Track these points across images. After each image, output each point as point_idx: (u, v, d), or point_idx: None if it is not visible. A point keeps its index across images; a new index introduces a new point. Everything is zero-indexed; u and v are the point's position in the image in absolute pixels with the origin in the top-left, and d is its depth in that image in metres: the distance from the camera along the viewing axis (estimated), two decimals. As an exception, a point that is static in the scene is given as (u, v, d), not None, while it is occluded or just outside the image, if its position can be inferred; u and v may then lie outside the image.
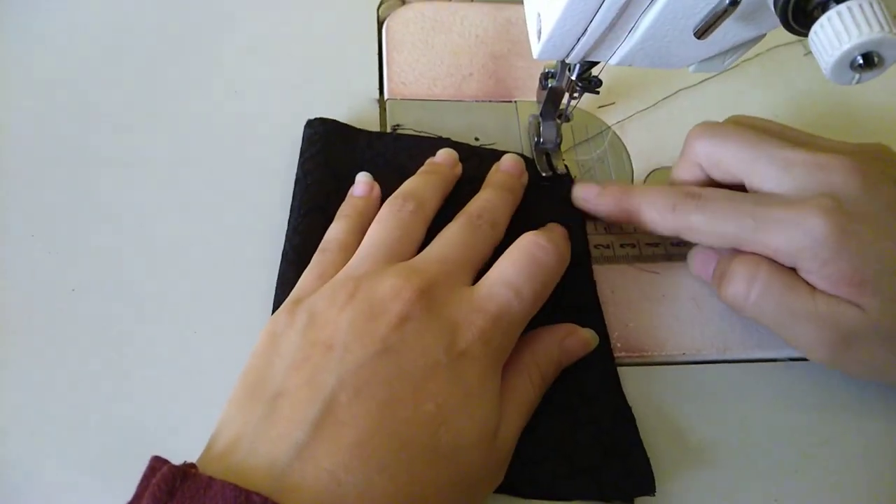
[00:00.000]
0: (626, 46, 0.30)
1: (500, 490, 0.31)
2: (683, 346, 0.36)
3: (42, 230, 0.37)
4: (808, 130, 0.46)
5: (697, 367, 0.36)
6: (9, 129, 0.40)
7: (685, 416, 0.34)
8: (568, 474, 0.31)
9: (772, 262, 0.33)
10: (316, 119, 0.40)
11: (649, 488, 0.31)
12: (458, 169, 0.39)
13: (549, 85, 0.38)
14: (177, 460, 0.25)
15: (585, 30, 0.29)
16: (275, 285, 0.35)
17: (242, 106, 0.43)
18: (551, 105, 0.39)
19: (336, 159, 0.39)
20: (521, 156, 0.40)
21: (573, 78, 0.35)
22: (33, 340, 0.34)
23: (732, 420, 0.35)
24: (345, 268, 0.33)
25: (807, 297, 0.32)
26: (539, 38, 0.31)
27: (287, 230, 0.37)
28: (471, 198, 0.37)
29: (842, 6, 0.23)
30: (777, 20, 0.25)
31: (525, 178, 0.39)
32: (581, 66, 0.35)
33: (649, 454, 0.32)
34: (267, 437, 0.26)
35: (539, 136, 0.40)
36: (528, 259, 0.32)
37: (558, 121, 0.40)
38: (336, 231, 0.36)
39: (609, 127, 0.44)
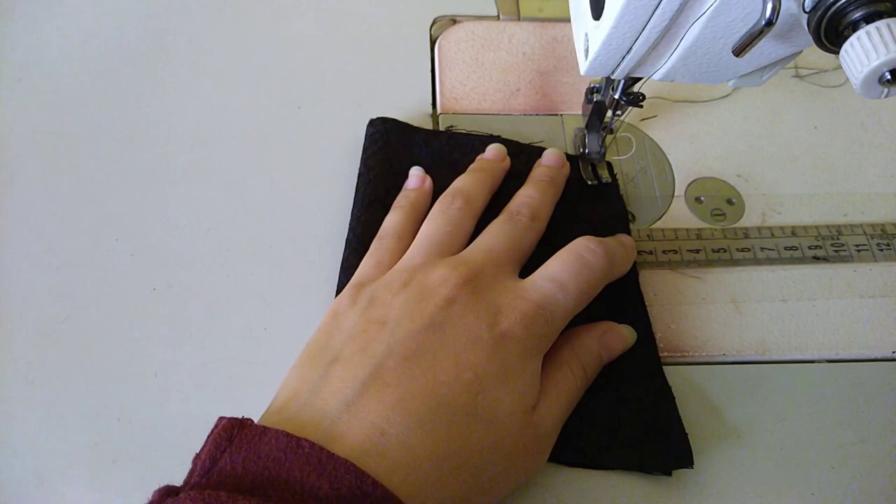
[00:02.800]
0: (668, 64, 0.32)
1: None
2: (723, 348, 0.38)
3: (125, 235, 0.40)
4: (844, 141, 0.47)
5: (737, 367, 0.37)
6: (95, 145, 0.44)
7: (725, 409, 0.36)
8: (610, 446, 0.34)
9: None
10: (377, 118, 0.44)
11: (688, 461, 0.33)
12: (507, 163, 0.42)
13: (595, 99, 0.40)
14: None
15: (630, 49, 0.31)
16: (338, 273, 0.38)
17: (305, 120, 0.46)
18: (596, 118, 0.41)
19: (395, 155, 0.42)
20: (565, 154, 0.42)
21: (616, 96, 0.37)
22: (118, 336, 0.37)
23: (770, 415, 0.36)
24: (401, 260, 0.36)
25: None
26: (587, 56, 0.33)
27: (350, 220, 0.40)
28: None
29: (871, 26, 0.25)
30: (811, 39, 0.27)
31: (567, 168, 0.41)
32: (625, 81, 0.37)
33: (689, 435, 0.34)
34: (320, 395, 0.29)
35: (585, 148, 0.42)
36: (575, 259, 0.34)
37: (603, 132, 0.42)
38: (391, 221, 0.39)
39: (652, 139, 0.46)
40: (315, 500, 0.24)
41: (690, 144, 0.46)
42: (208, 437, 0.27)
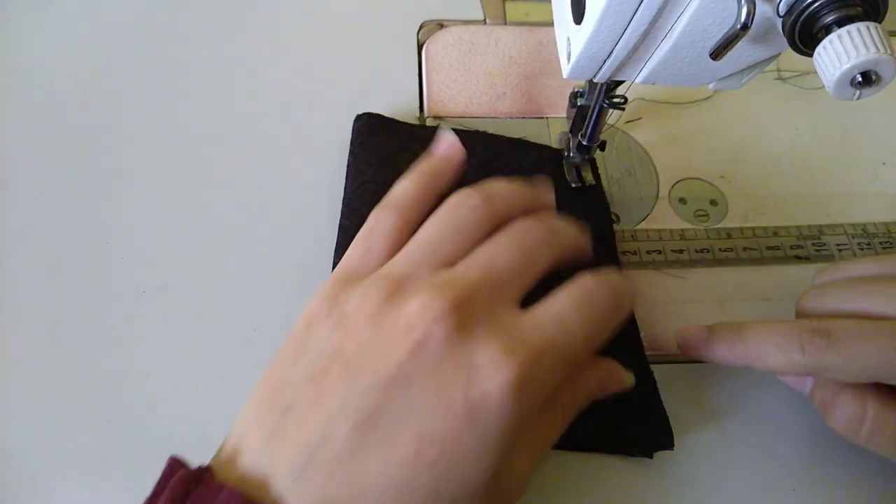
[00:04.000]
0: (649, 67, 0.33)
1: None
2: (707, 346, 0.39)
3: (116, 237, 0.41)
4: (826, 142, 0.48)
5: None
6: (85, 148, 0.44)
7: (708, 403, 0.37)
8: (593, 430, 0.34)
9: (880, 393, 0.31)
10: (364, 113, 0.44)
11: (669, 443, 0.34)
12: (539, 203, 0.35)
13: (578, 103, 0.40)
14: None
15: (611, 52, 0.32)
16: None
17: (295, 123, 0.46)
18: (580, 121, 0.42)
19: (383, 142, 0.43)
20: (550, 148, 0.44)
21: (603, 99, 0.38)
22: (109, 337, 0.37)
23: (752, 409, 0.37)
24: (387, 264, 0.31)
25: None
26: (569, 59, 0.34)
27: (342, 206, 0.40)
28: None
29: (842, 30, 0.25)
30: (787, 42, 0.28)
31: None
32: (608, 84, 0.37)
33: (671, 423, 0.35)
34: (271, 452, 0.26)
35: (569, 151, 0.43)
36: (584, 297, 0.30)
37: (594, 145, 0.42)
38: (399, 190, 0.34)
39: (637, 141, 0.47)
40: None
41: (674, 146, 0.47)
42: (160, 484, 0.26)
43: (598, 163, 0.45)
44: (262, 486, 0.26)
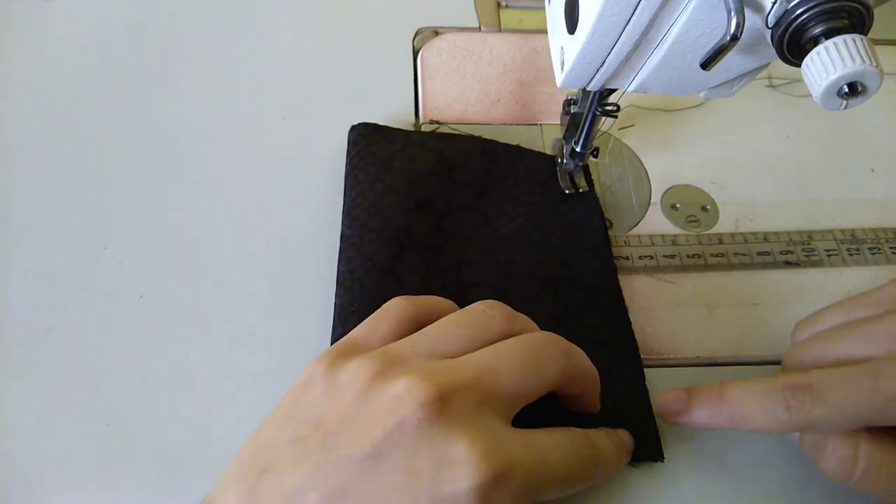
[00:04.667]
0: (641, 76, 0.33)
1: None
2: (697, 350, 0.39)
3: (113, 243, 0.41)
4: (816, 149, 0.49)
5: (710, 368, 0.39)
6: (82, 154, 0.44)
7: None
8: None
9: (871, 434, 0.30)
10: (359, 124, 0.45)
11: (658, 455, 0.35)
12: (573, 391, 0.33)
13: (572, 111, 0.41)
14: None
15: (604, 62, 0.32)
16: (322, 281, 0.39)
17: (290, 130, 0.47)
18: (574, 129, 0.42)
19: (378, 151, 0.43)
20: (544, 155, 0.45)
21: (596, 107, 0.39)
22: (106, 342, 0.38)
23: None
24: (390, 345, 0.31)
25: None
26: (562, 68, 0.35)
27: (342, 216, 0.41)
28: (501, 199, 0.42)
29: (829, 42, 0.26)
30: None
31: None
32: (601, 92, 0.38)
33: (662, 431, 0.35)
34: None
35: (563, 158, 0.43)
36: (586, 449, 0.30)
37: (587, 152, 0.43)
38: (432, 299, 0.34)
39: (629, 147, 0.47)
40: None
41: (667, 153, 0.48)
42: None
43: (591, 169, 0.45)
44: None
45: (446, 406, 0.27)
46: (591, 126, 0.40)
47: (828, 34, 0.26)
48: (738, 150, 0.48)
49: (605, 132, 0.47)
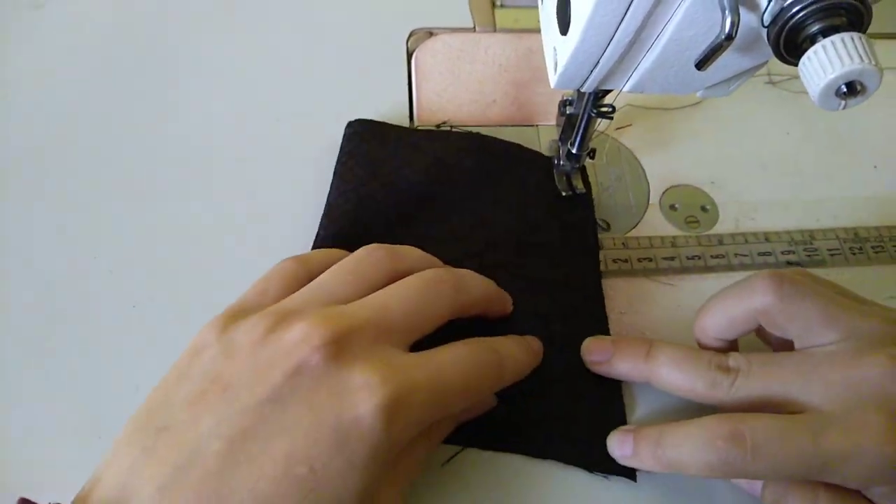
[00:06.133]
0: (636, 76, 0.33)
1: (498, 447, 0.34)
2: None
3: (105, 251, 0.40)
4: (817, 146, 0.48)
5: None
6: (74, 161, 0.44)
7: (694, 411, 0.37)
8: (560, 441, 0.34)
9: (830, 489, 0.30)
10: (355, 120, 0.44)
11: (630, 473, 0.34)
12: (468, 298, 0.34)
13: (567, 111, 0.40)
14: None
15: (597, 62, 0.32)
16: None
17: (284, 133, 0.46)
18: (570, 130, 0.41)
19: (370, 152, 0.43)
20: (542, 156, 0.45)
21: (591, 108, 0.38)
22: (98, 352, 0.37)
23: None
24: (282, 301, 0.31)
25: None
26: (556, 69, 0.34)
27: (322, 216, 0.40)
28: (496, 201, 0.41)
29: (827, 40, 0.25)
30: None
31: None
32: (596, 93, 0.37)
33: None
34: (139, 476, 0.26)
35: (559, 159, 0.43)
36: (468, 354, 0.31)
37: (584, 153, 0.42)
38: (317, 251, 0.36)
39: (627, 147, 0.47)
40: None
41: (665, 152, 0.47)
42: None
43: (589, 170, 0.45)
44: None
45: (343, 346, 0.28)
46: (586, 127, 0.40)
47: (825, 32, 0.25)
48: (738, 148, 0.48)
49: (602, 133, 0.47)
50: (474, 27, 0.53)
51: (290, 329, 0.28)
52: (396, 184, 0.41)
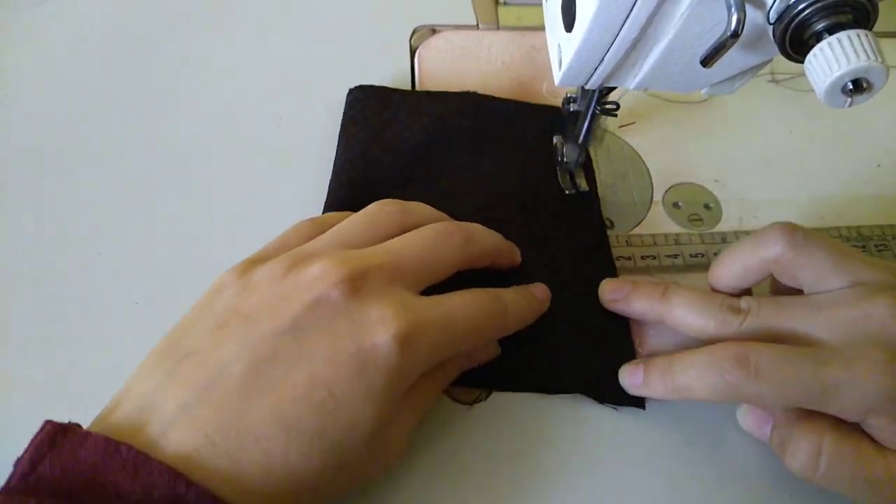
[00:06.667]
0: (641, 73, 0.33)
1: (515, 387, 0.36)
2: (702, 352, 0.38)
3: (107, 250, 0.40)
4: (820, 144, 0.48)
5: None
6: (75, 160, 0.44)
7: (702, 408, 0.37)
8: (571, 376, 0.36)
9: (836, 428, 0.31)
10: (356, 87, 0.46)
11: (640, 402, 0.36)
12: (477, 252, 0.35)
13: (571, 108, 0.40)
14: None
15: (602, 60, 0.31)
16: None
17: (287, 133, 0.46)
18: (573, 127, 0.41)
19: (372, 113, 0.45)
20: (541, 107, 0.46)
21: (595, 106, 0.38)
22: (101, 350, 0.37)
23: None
24: (302, 245, 0.33)
25: (878, 462, 0.30)
26: (560, 66, 0.34)
27: (330, 180, 0.42)
28: (497, 156, 0.43)
29: (832, 37, 0.25)
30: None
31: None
32: (600, 90, 0.37)
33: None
34: (162, 396, 0.27)
35: (562, 157, 0.43)
36: (476, 300, 0.32)
37: (581, 147, 0.42)
38: (328, 214, 0.37)
39: (630, 145, 0.47)
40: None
41: (668, 150, 0.47)
42: (32, 440, 0.26)
43: (592, 167, 0.44)
44: (140, 429, 0.27)
45: (359, 285, 0.29)
46: (590, 124, 0.40)
47: (831, 29, 0.25)
48: (741, 146, 0.48)
49: (605, 130, 0.47)
50: (477, 24, 0.53)
51: (310, 267, 0.30)
52: (399, 147, 0.43)
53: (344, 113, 0.45)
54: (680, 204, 0.44)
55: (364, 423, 0.28)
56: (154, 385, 0.28)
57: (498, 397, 0.36)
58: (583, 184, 0.42)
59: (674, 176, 0.46)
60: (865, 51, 0.25)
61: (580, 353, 0.37)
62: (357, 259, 0.30)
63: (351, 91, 0.46)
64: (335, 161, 0.43)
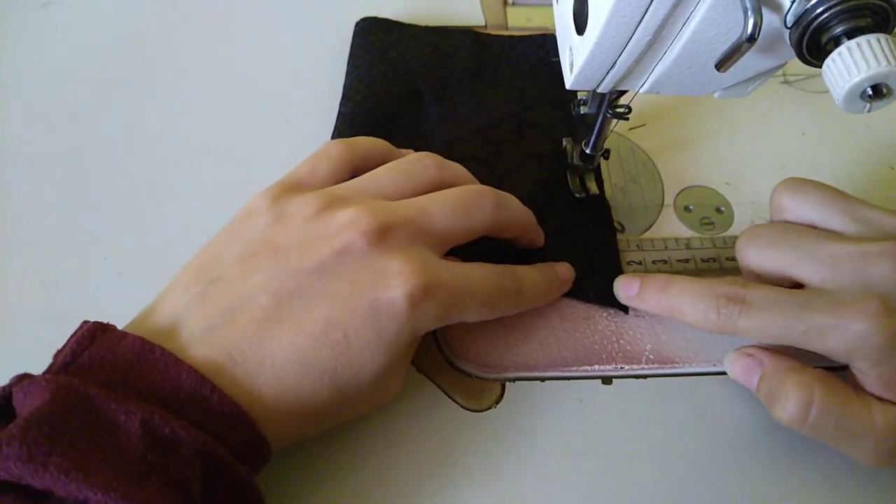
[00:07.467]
0: (653, 77, 0.32)
1: None
2: (714, 358, 0.38)
3: (114, 254, 0.40)
4: (833, 146, 0.47)
5: (727, 377, 0.37)
6: (81, 164, 0.44)
7: (717, 418, 0.36)
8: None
9: (824, 381, 0.32)
10: (363, 18, 0.50)
11: (624, 308, 0.38)
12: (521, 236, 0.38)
13: (582, 111, 0.40)
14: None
15: (614, 63, 0.31)
16: None
17: (294, 133, 0.46)
18: (584, 130, 0.41)
19: (377, 42, 0.48)
20: (535, 37, 0.50)
21: (606, 109, 0.37)
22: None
23: (762, 419, 0.36)
24: (335, 185, 0.34)
25: (864, 415, 0.31)
26: (571, 69, 0.33)
27: (341, 98, 0.45)
28: (495, 82, 0.47)
29: (852, 42, 0.25)
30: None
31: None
32: (612, 93, 0.37)
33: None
34: (192, 313, 0.30)
35: (573, 159, 0.42)
36: (509, 281, 0.34)
37: (598, 154, 0.42)
38: (362, 139, 0.37)
39: (641, 148, 0.46)
40: (157, 399, 0.26)
41: (679, 153, 0.46)
42: (72, 335, 0.28)
43: (603, 171, 0.44)
44: (172, 337, 0.29)
45: (385, 236, 0.30)
46: (601, 128, 0.39)
47: (850, 34, 0.25)
48: (753, 148, 0.47)
49: (616, 132, 0.46)
50: (486, 25, 0.52)
51: (341, 212, 0.31)
52: (402, 66, 0.46)
53: (352, 41, 0.48)
54: (691, 207, 0.44)
55: (372, 367, 0.29)
56: (185, 302, 0.30)
57: (508, 405, 0.36)
58: (593, 187, 0.42)
59: (685, 179, 0.45)
60: (886, 55, 0.24)
61: (569, 261, 0.39)
62: (388, 212, 0.31)
63: (358, 22, 0.49)
64: (344, 83, 0.46)
